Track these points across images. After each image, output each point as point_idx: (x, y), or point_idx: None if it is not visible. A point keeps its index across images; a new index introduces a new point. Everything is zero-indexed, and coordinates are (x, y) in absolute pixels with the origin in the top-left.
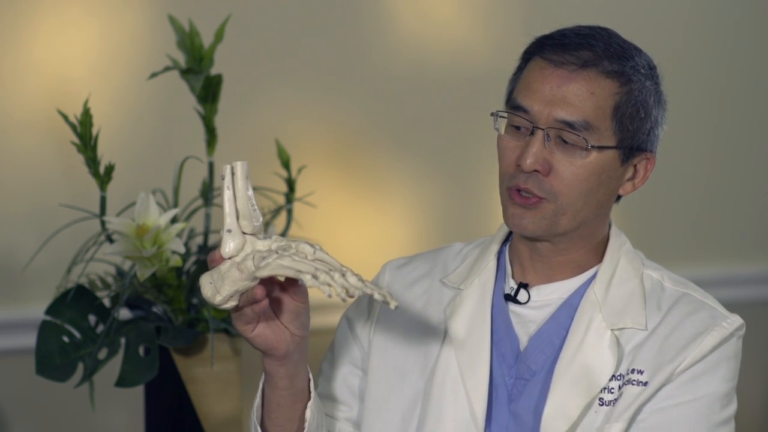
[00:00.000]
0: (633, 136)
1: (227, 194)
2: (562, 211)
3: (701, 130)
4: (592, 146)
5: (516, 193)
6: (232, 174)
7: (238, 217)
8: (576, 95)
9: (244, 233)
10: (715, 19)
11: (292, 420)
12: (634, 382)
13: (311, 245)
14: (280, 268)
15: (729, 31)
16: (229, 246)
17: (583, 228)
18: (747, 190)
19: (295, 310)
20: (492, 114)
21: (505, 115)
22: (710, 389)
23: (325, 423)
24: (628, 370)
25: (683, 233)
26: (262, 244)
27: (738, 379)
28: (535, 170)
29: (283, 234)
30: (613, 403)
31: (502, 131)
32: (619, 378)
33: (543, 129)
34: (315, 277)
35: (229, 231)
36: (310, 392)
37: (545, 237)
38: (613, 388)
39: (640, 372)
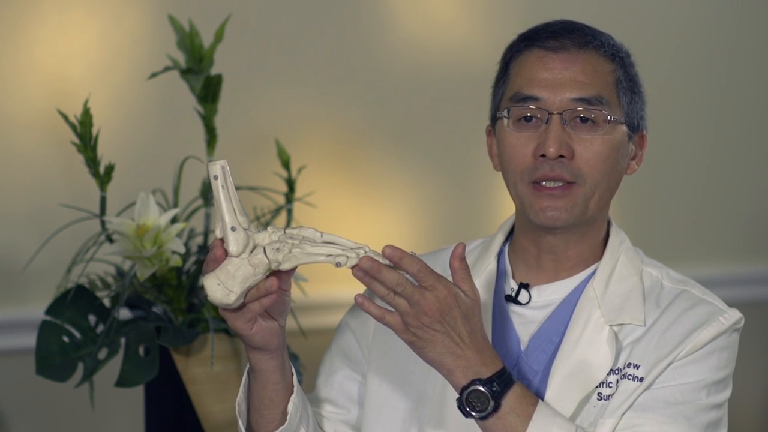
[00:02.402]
0: (633, 113)
1: (224, 193)
2: (591, 194)
3: (701, 130)
4: (613, 119)
5: (541, 186)
6: (223, 172)
7: (236, 214)
8: (583, 73)
9: (245, 229)
10: (715, 19)
11: (282, 414)
12: (629, 377)
13: (314, 230)
14: (308, 256)
15: (729, 31)
16: (236, 244)
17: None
18: (747, 189)
19: (283, 301)
20: (498, 116)
21: (507, 114)
22: (699, 376)
23: (311, 417)
24: (624, 364)
25: (683, 233)
26: (260, 238)
27: (738, 377)
28: (560, 156)
29: None
30: (611, 398)
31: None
32: (616, 372)
33: (560, 114)
34: (348, 257)
35: (234, 229)
36: (293, 385)
37: (576, 225)
38: (611, 383)
39: (636, 366)
